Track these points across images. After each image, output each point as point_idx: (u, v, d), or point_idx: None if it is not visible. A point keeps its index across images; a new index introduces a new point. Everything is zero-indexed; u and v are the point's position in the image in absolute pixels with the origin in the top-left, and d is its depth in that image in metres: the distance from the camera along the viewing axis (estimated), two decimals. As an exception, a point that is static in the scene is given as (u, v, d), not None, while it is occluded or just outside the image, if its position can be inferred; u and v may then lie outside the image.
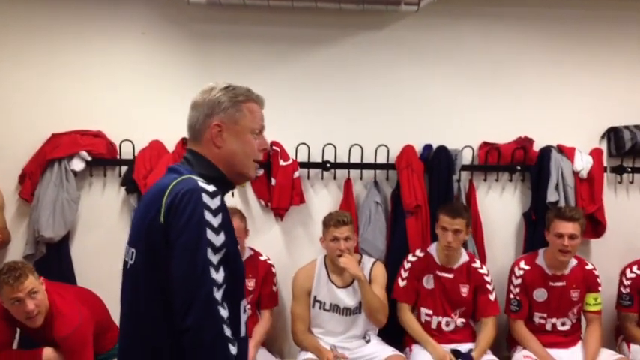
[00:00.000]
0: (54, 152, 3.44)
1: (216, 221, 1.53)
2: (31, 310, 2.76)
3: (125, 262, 1.68)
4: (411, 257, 3.40)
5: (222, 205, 1.57)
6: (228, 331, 1.49)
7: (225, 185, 1.70)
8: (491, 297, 3.35)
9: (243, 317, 1.67)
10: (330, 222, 3.24)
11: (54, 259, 3.45)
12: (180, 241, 1.50)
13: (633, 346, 3.41)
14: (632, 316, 3.49)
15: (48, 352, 2.87)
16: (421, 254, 3.39)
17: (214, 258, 1.50)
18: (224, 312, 1.49)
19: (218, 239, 1.52)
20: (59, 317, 2.86)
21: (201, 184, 1.56)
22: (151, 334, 1.58)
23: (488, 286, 3.35)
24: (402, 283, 3.38)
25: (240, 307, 1.65)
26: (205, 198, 1.53)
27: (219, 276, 1.50)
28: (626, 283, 3.50)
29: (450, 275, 3.34)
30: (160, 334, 1.56)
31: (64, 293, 3.01)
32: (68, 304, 2.91)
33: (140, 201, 1.75)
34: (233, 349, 1.49)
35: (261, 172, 3.61)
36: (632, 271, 3.50)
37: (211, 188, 1.56)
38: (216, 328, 1.47)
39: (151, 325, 1.57)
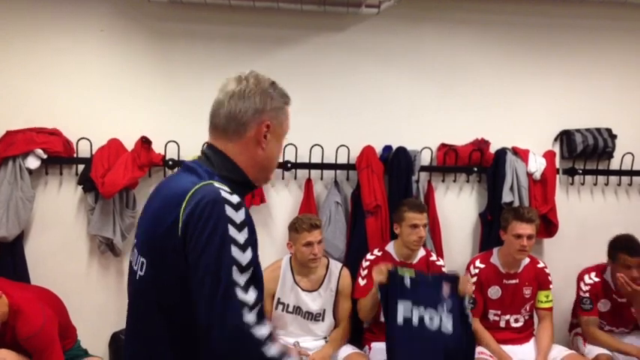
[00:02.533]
0: (8, 150, 3.36)
1: (241, 237, 1.35)
2: None
3: (133, 271, 1.51)
4: (369, 256, 3.43)
5: (247, 217, 1.39)
6: (273, 350, 1.33)
7: (248, 188, 1.56)
8: None
9: None
10: (302, 226, 3.19)
11: (7, 258, 3.38)
12: (202, 261, 1.32)
13: (589, 345, 3.48)
14: (593, 320, 3.49)
15: (4, 353, 2.81)
16: (379, 253, 3.43)
17: (241, 279, 1.32)
18: (263, 330, 1.32)
19: (245, 257, 1.34)
20: (22, 318, 2.80)
21: (225, 194, 1.38)
22: (157, 356, 1.44)
23: None
24: (362, 282, 3.41)
25: None
26: (229, 211, 1.35)
27: (249, 297, 1.32)
28: (585, 288, 3.49)
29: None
30: (165, 356, 1.43)
31: (26, 293, 2.95)
32: (30, 304, 2.85)
33: (150, 199, 1.56)
34: None
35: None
36: (590, 278, 3.51)
37: (235, 199, 1.38)
38: (256, 356, 1.31)
39: (158, 347, 1.43)
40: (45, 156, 3.43)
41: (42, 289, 3.21)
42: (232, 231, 1.34)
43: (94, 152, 3.47)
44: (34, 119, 3.46)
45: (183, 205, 1.37)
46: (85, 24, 3.56)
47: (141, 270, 1.46)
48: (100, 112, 3.56)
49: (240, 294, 1.31)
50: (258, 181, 1.58)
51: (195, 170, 1.47)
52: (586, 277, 3.54)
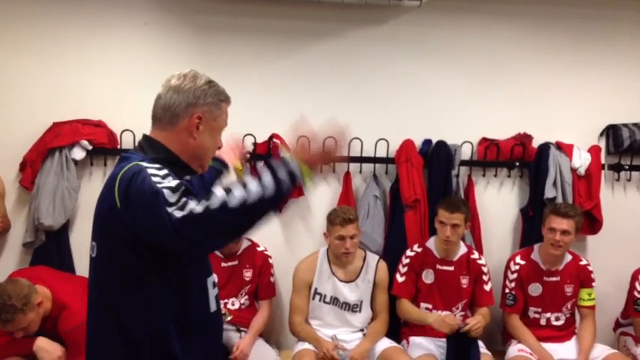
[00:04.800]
0: (55, 141, 3.44)
1: (167, 182, 1.47)
2: (20, 335, 2.77)
3: (90, 256, 1.69)
4: (409, 252, 3.41)
5: (173, 175, 1.52)
6: (216, 200, 1.42)
7: (182, 169, 1.66)
8: (487, 287, 3.39)
9: (212, 293, 1.70)
10: (335, 220, 3.20)
11: (53, 247, 3.46)
12: (145, 219, 1.46)
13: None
14: None
15: (40, 341, 2.84)
16: (419, 249, 3.40)
17: (174, 197, 1.43)
18: (204, 203, 1.42)
19: (170, 182, 1.47)
20: (65, 311, 2.84)
21: (146, 164, 1.54)
22: (121, 323, 1.59)
23: (484, 277, 3.39)
24: (400, 279, 3.39)
25: (208, 284, 1.68)
26: (151, 171, 1.51)
27: (192, 205, 1.42)
28: None
29: (451, 268, 3.36)
30: (131, 320, 1.58)
31: (72, 286, 2.98)
32: (75, 299, 2.86)
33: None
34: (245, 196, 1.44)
35: (261, 164, 3.63)
36: None
37: (157, 166, 1.53)
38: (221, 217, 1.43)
39: (121, 314, 1.59)
40: (90, 147, 3.50)
41: (86, 280, 3.27)
42: (156, 178, 1.48)
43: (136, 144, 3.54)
44: (79, 111, 3.53)
45: (116, 186, 1.53)
46: (129, 17, 3.62)
47: (93, 252, 1.64)
48: (143, 104, 3.53)
49: (176, 211, 1.41)
50: (193, 168, 1.72)
51: (127, 158, 1.63)
52: None
